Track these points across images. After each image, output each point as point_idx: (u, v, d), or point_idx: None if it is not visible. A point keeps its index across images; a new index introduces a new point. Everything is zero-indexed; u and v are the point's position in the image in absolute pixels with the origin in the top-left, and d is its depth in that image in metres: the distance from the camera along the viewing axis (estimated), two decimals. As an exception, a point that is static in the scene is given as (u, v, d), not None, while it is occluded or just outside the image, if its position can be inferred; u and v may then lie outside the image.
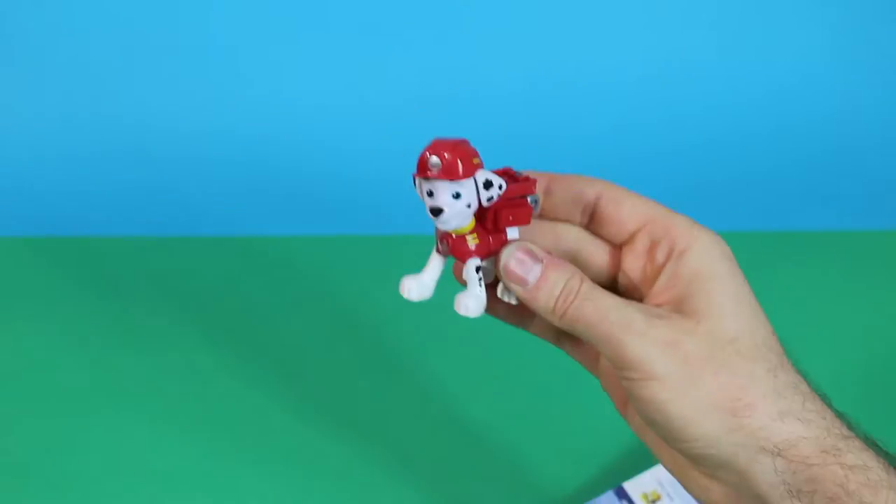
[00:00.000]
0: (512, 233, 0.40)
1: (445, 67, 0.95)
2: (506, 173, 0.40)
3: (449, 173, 0.37)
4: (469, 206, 0.38)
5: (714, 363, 0.34)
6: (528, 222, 0.40)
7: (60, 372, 0.72)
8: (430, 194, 0.38)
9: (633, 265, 0.40)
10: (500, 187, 0.38)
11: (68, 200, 0.92)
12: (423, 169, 0.37)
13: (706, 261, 0.37)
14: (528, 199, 0.40)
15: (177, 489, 0.62)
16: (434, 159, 0.37)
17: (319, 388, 0.70)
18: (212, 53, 0.94)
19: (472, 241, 0.39)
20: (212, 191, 0.92)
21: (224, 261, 0.85)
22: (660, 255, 0.38)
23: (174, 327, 0.76)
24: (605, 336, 0.36)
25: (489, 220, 0.39)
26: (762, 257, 0.82)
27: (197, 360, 0.73)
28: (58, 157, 0.94)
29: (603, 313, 0.36)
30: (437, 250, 0.40)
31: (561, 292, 0.37)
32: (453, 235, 0.39)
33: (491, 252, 0.39)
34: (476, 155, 0.38)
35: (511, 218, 0.39)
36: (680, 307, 0.36)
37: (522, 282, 0.38)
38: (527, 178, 0.40)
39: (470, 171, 0.37)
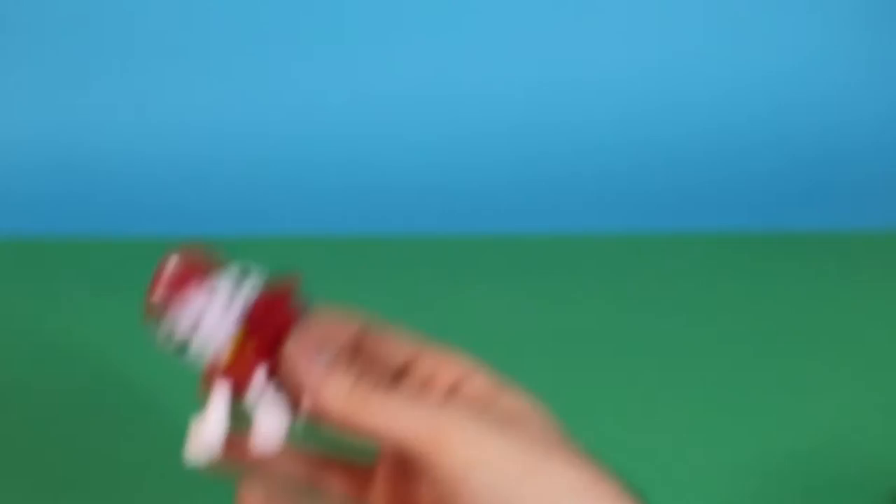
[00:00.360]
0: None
1: (444, 66, 0.95)
2: None
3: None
4: None
5: None
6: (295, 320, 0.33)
7: (61, 371, 0.72)
8: None
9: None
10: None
11: (68, 201, 0.92)
12: None
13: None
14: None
15: (179, 489, 0.62)
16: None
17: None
18: (209, 50, 0.94)
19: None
20: (212, 191, 0.92)
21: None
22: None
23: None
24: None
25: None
26: (761, 257, 0.82)
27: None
28: (56, 158, 0.94)
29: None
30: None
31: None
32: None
33: None
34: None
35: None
36: None
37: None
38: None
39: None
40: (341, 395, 0.30)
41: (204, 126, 0.95)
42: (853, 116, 0.96)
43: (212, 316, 0.30)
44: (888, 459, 0.62)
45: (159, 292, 0.29)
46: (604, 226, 0.86)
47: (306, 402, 0.30)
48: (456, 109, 0.94)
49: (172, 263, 0.30)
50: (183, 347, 0.30)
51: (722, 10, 0.95)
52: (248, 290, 0.30)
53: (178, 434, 0.65)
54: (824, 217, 0.89)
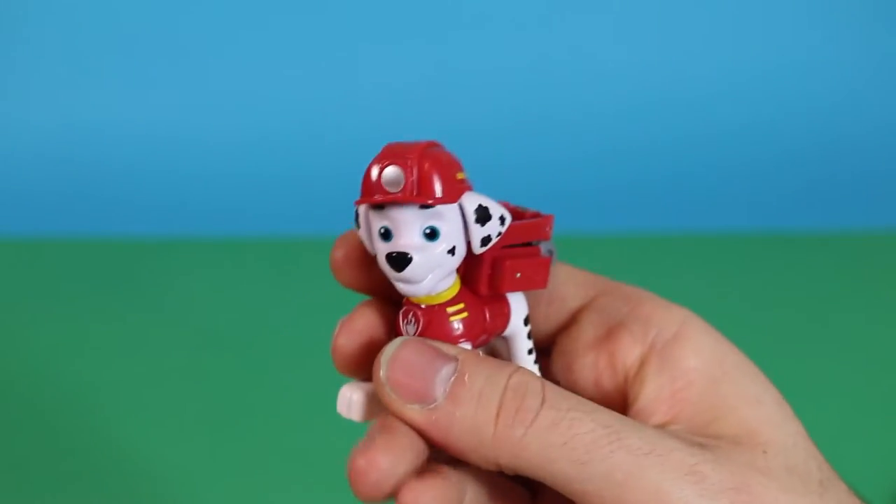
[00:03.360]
0: (517, 302, 0.26)
1: (443, 65, 0.95)
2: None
3: (423, 193, 0.23)
4: (452, 252, 0.24)
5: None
6: (544, 284, 0.26)
7: (60, 373, 0.72)
8: (386, 234, 0.24)
9: (574, 361, 0.28)
10: (503, 221, 0.24)
11: (68, 201, 0.92)
12: (371, 191, 0.24)
13: (718, 357, 0.26)
14: (542, 249, 0.27)
15: (179, 490, 0.62)
16: (393, 172, 0.23)
17: (320, 389, 0.70)
18: (204, 52, 0.94)
19: (456, 318, 0.25)
20: (210, 191, 0.92)
21: (224, 262, 0.85)
22: (628, 347, 0.27)
23: (175, 329, 0.76)
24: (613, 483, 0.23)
25: (484, 279, 0.25)
26: (761, 257, 0.82)
27: (199, 361, 0.73)
28: (54, 158, 0.94)
29: (597, 414, 0.23)
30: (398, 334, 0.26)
31: (508, 391, 0.23)
32: (422, 307, 0.25)
33: (489, 334, 0.26)
34: (460, 168, 0.24)
35: (519, 275, 0.25)
36: (702, 429, 0.25)
37: (421, 395, 0.24)
38: (537, 214, 0.27)
39: (454, 194, 0.24)
40: (485, 416, 0.24)
41: (204, 126, 0.95)
42: (853, 116, 0.96)
43: (448, 239, 0.24)
44: (888, 459, 0.62)
45: (406, 171, 0.23)
46: (604, 226, 0.86)
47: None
48: (455, 109, 0.94)
49: (420, 148, 0.24)
50: (400, 260, 0.24)
51: (722, 10, 0.95)
52: (496, 225, 0.24)
53: (179, 431, 0.65)
54: (824, 217, 0.89)
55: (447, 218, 0.24)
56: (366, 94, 0.95)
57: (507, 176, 0.92)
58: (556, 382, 0.27)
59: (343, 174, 0.92)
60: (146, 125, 0.95)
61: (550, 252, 0.27)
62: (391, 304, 0.27)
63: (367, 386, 0.26)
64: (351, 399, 0.25)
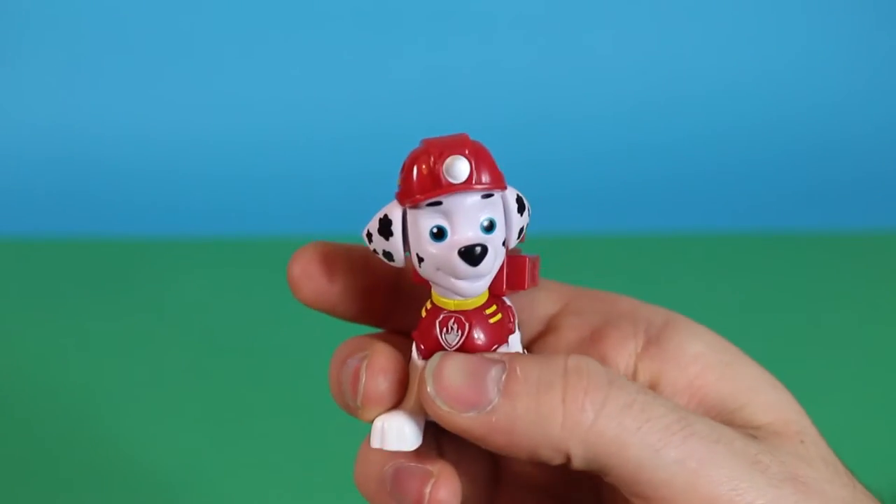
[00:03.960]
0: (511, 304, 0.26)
1: (443, 65, 0.95)
2: None
3: (493, 182, 0.23)
4: (504, 244, 0.24)
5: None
6: (523, 286, 0.25)
7: (60, 372, 0.72)
8: (440, 234, 0.23)
9: None
10: (530, 213, 0.24)
11: (68, 201, 0.92)
12: (427, 187, 0.23)
13: (720, 342, 0.26)
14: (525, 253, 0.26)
15: (179, 489, 0.62)
16: (459, 163, 0.23)
17: (320, 389, 0.70)
18: (204, 52, 0.94)
19: (494, 321, 0.24)
20: (210, 191, 0.92)
21: (224, 262, 0.85)
22: (619, 345, 0.26)
23: (175, 329, 0.76)
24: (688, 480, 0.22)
25: (502, 279, 0.25)
26: (761, 257, 0.82)
27: (199, 361, 0.73)
28: (54, 158, 0.94)
29: (662, 398, 0.23)
30: (422, 352, 0.25)
31: (568, 374, 0.22)
32: (460, 312, 0.24)
33: (505, 338, 0.25)
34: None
35: (532, 275, 0.25)
36: (732, 417, 0.25)
37: (474, 401, 0.23)
38: None
39: (503, 181, 0.24)
40: (549, 410, 0.22)
41: (204, 126, 0.95)
42: (853, 116, 0.96)
43: (501, 231, 0.24)
44: (888, 459, 0.62)
45: (471, 163, 0.23)
46: (604, 226, 0.86)
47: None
48: (455, 109, 0.94)
49: (461, 141, 0.24)
50: (478, 253, 0.23)
51: (722, 10, 0.95)
52: (527, 218, 0.24)
53: (178, 431, 0.65)
54: (824, 217, 0.89)
55: (499, 208, 0.23)
56: (366, 94, 0.95)
57: (507, 176, 0.92)
58: None
59: (343, 174, 0.93)
60: (146, 125, 0.95)
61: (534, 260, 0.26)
62: (384, 330, 0.26)
63: (401, 413, 0.25)
64: (402, 430, 0.24)
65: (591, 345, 0.26)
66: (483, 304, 0.24)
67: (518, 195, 0.24)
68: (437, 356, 0.24)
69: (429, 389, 0.23)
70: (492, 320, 0.24)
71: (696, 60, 0.96)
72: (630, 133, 0.95)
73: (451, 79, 0.95)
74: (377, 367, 0.25)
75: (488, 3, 0.94)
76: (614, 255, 0.81)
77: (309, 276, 0.27)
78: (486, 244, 0.23)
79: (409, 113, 0.93)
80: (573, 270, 0.80)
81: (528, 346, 0.28)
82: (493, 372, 0.23)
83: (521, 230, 0.24)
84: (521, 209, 0.24)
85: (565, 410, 0.22)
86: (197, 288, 0.81)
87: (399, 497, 0.25)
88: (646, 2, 0.95)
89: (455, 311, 0.24)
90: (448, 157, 0.23)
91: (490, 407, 0.23)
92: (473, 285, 0.23)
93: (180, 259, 0.85)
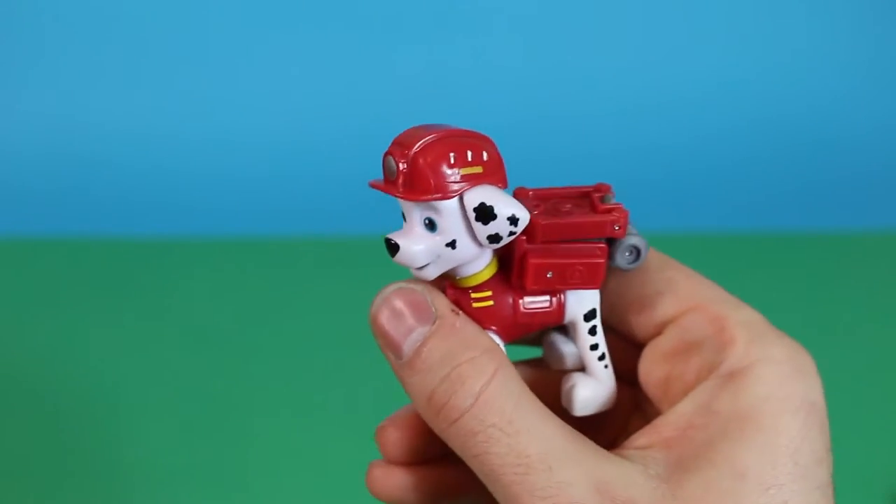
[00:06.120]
0: (576, 295, 0.26)
1: (443, 65, 0.95)
2: (587, 195, 0.27)
3: (409, 187, 0.23)
4: (453, 245, 0.24)
5: None
6: (593, 285, 0.26)
7: (60, 372, 0.72)
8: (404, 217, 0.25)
9: (650, 372, 0.27)
10: (515, 221, 0.23)
11: (69, 201, 0.92)
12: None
13: (770, 403, 0.24)
14: (621, 246, 0.27)
15: (179, 489, 0.62)
16: (388, 162, 0.24)
17: (320, 389, 0.70)
18: (204, 52, 0.94)
19: (479, 304, 0.25)
20: (210, 191, 0.92)
21: (224, 262, 0.85)
22: (692, 366, 0.25)
23: (175, 329, 0.76)
24: (503, 484, 0.22)
25: (516, 273, 0.25)
26: (761, 257, 0.82)
27: (199, 361, 0.73)
28: (55, 158, 0.94)
29: (516, 440, 0.22)
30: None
31: (444, 381, 0.23)
32: (452, 286, 0.26)
33: (531, 325, 0.26)
34: (474, 163, 0.23)
35: (550, 274, 0.25)
36: (689, 466, 0.23)
37: (394, 348, 0.24)
38: (611, 210, 0.26)
39: (446, 189, 0.23)
40: (430, 384, 0.24)
41: (204, 126, 0.95)
42: (851, 116, 0.96)
43: (446, 233, 0.24)
44: (888, 459, 0.62)
45: (397, 162, 0.24)
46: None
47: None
48: (455, 109, 0.94)
49: (433, 136, 0.24)
50: (389, 245, 0.25)
51: (720, 10, 0.95)
52: (504, 224, 0.25)
53: (178, 431, 0.65)
54: (824, 217, 0.89)
55: (444, 213, 0.23)
56: (366, 94, 0.95)
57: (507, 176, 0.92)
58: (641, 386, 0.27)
59: (343, 174, 0.93)
60: (146, 125, 0.95)
61: (632, 250, 0.27)
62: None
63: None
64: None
65: (674, 360, 0.26)
66: (473, 287, 0.25)
67: (483, 203, 0.23)
68: (393, 285, 0.25)
69: (371, 311, 0.25)
70: (476, 304, 0.25)
71: (695, 60, 0.96)
72: (629, 133, 0.95)
73: (452, 79, 0.95)
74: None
75: (488, 2, 0.94)
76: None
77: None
78: (397, 240, 0.24)
79: (410, 113, 0.93)
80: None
81: (645, 343, 0.28)
82: (415, 335, 0.24)
83: (496, 236, 0.24)
84: (483, 217, 0.23)
85: (428, 408, 0.24)
86: (197, 288, 0.81)
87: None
88: (646, 2, 0.95)
89: (451, 285, 0.25)
90: (386, 154, 0.24)
91: (401, 362, 0.24)
92: (416, 273, 0.24)
93: (181, 259, 0.85)
